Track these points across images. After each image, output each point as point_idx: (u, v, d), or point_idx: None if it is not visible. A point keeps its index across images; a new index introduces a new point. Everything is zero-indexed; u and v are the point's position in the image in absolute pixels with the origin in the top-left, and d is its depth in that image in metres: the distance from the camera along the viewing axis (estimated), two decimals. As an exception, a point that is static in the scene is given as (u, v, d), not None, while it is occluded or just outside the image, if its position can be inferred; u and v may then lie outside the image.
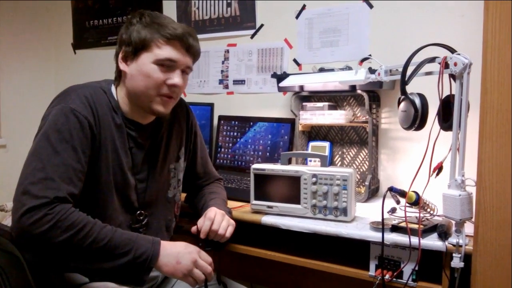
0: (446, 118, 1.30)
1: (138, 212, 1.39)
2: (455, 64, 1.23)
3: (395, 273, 1.37)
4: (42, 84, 3.09)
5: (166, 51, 1.29)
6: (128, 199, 1.36)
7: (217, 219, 1.36)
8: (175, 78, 1.31)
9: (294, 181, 1.55)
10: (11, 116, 2.94)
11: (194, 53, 1.35)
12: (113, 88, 1.37)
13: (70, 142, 1.19)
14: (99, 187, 1.28)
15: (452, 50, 1.30)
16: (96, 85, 1.35)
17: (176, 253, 1.21)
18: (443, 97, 1.28)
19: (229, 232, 1.38)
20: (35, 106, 2.67)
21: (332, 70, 1.91)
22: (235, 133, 2.27)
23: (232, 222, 1.41)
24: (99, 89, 1.33)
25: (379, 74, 1.48)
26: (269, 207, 1.59)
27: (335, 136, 2.10)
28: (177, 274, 1.21)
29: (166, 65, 1.30)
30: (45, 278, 1.25)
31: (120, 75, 1.36)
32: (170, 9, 2.59)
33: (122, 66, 1.32)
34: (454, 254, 1.25)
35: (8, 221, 2.43)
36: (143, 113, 1.37)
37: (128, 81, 1.33)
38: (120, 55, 1.33)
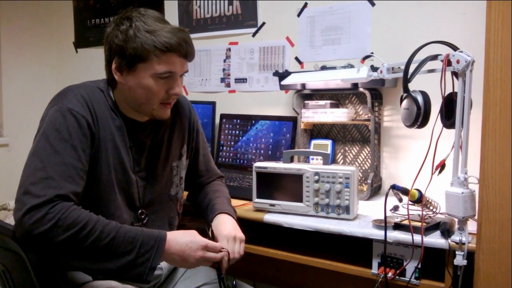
0: (448, 115, 1.30)
1: (140, 211, 1.39)
2: (458, 62, 1.23)
3: (398, 271, 1.37)
4: (44, 82, 3.10)
5: (164, 65, 1.26)
6: (131, 197, 1.36)
7: (230, 248, 1.31)
8: (176, 87, 1.32)
9: (297, 179, 1.55)
10: (14, 115, 2.94)
11: (191, 57, 1.33)
12: (109, 89, 1.37)
13: (69, 141, 1.19)
14: (101, 186, 1.28)
15: (455, 48, 1.30)
16: (93, 85, 1.34)
17: (181, 253, 1.20)
18: (446, 94, 1.28)
19: (241, 253, 1.35)
20: (37, 105, 2.66)
21: (334, 68, 1.91)
22: (237, 132, 2.27)
23: (242, 237, 1.37)
24: (96, 88, 1.33)
25: (381, 72, 1.48)
26: (271, 205, 1.60)
27: (337, 134, 2.10)
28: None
29: (165, 77, 1.29)
30: (48, 276, 1.25)
31: (114, 81, 1.32)
32: (171, 8, 2.58)
33: (117, 77, 1.29)
34: (457, 252, 1.24)
35: (10, 220, 2.43)
36: (150, 117, 1.38)
37: (127, 91, 1.31)
38: (113, 66, 1.29)
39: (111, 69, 1.30)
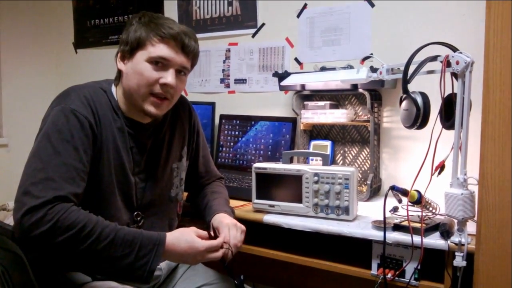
0: (448, 116, 1.30)
1: (136, 213, 1.38)
2: (457, 63, 1.23)
3: (397, 272, 1.37)
4: (43, 83, 3.10)
5: (159, 49, 1.29)
6: (129, 198, 1.36)
7: (233, 234, 1.32)
8: (168, 77, 1.30)
9: (296, 180, 1.55)
10: (13, 116, 2.94)
11: (189, 52, 1.33)
12: (113, 88, 1.37)
13: (71, 142, 1.19)
14: (101, 187, 1.28)
15: (454, 49, 1.30)
16: (96, 85, 1.35)
17: (180, 256, 1.21)
18: (445, 95, 1.28)
19: (241, 242, 1.36)
20: (36, 105, 2.67)
21: (333, 69, 1.91)
22: (237, 132, 2.27)
23: (243, 227, 1.38)
24: (99, 89, 1.33)
25: (380, 72, 1.48)
26: (271, 206, 1.59)
27: (336, 135, 2.10)
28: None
29: (159, 63, 1.30)
30: (47, 277, 1.25)
31: (119, 75, 1.37)
32: (171, 9, 2.58)
33: (120, 65, 1.34)
34: (456, 253, 1.24)
35: (10, 220, 2.43)
36: (142, 113, 1.37)
37: (124, 79, 1.33)
38: (118, 55, 1.35)
39: (117, 59, 1.35)
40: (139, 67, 1.30)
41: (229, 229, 1.33)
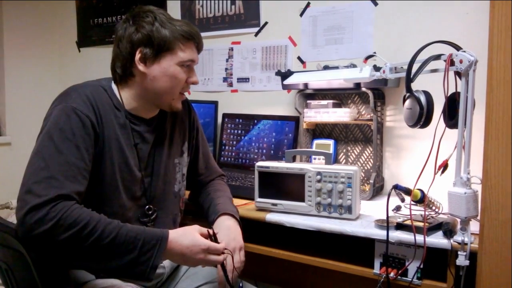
0: (451, 115, 1.29)
1: (147, 206, 1.39)
2: (461, 62, 1.22)
3: (400, 271, 1.37)
4: (46, 82, 3.11)
5: (188, 53, 1.36)
6: (137, 194, 1.36)
7: (236, 260, 1.33)
8: (194, 76, 1.40)
9: (299, 179, 1.55)
10: (16, 114, 2.95)
11: (201, 49, 1.42)
12: (113, 86, 1.37)
13: (73, 140, 1.20)
14: (104, 185, 1.28)
15: (458, 48, 1.30)
16: (97, 84, 1.35)
17: (182, 255, 1.20)
18: (449, 94, 1.27)
19: (242, 261, 1.38)
20: (39, 104, 2.67)
21: (336, 67, 1.91)
22: (239, 131, 2.27)
23: (242, 245, 1.39)
24: (99, 87, 1.34)
25: (384, 71, 1.47)
26: (273, 204, 1.59)
27: (339, 134, 2.10)
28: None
29: (187, 65, 1.36)
30: (50, 275, 1.25)
31: (128, 75, 1.34)
32: (174, 7, 2.58)
33: (141, 67, 1.32)
34: (459, 252, 1.24)
35: (13, 219, 2.44)
36: (148, 108, 1.39)
37: (149, 83, 1.34)
38: (137, 56, 1.31)
39: (134, 60, 1.32)
40: (172, 70, 1.34)
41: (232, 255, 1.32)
